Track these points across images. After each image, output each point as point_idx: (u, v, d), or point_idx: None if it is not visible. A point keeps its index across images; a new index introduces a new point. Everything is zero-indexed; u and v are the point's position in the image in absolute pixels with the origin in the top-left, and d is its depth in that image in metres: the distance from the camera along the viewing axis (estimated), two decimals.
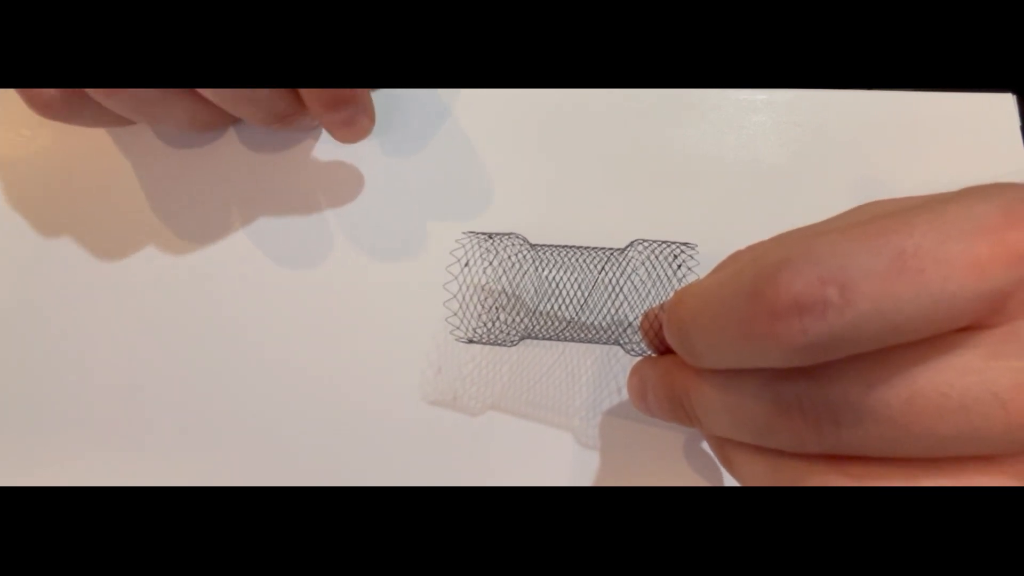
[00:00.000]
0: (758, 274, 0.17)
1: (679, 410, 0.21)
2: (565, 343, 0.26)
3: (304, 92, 0.25)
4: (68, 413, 0.28)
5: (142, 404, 0.28)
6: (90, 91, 0.25)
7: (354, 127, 0.27)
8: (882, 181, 0.28)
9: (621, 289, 0.25)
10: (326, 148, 0.30)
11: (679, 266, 0.23)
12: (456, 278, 0.26)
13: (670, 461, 0.26)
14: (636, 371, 0.22)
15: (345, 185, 0.30)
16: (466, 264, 0.26)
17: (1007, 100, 0.28)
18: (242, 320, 0.28)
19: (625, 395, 0.26)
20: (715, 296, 0.18)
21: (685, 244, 0.23)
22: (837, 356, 0.16)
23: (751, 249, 0.20)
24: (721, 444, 0.21)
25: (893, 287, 0.15)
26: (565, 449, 0.26)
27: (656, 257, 0.24)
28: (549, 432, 0.26)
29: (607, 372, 0.26)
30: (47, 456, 0.28)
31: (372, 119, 0.27)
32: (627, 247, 0.25)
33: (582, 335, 0.25)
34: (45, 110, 0.26)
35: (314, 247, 0.29)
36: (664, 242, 0.24)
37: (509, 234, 0.25)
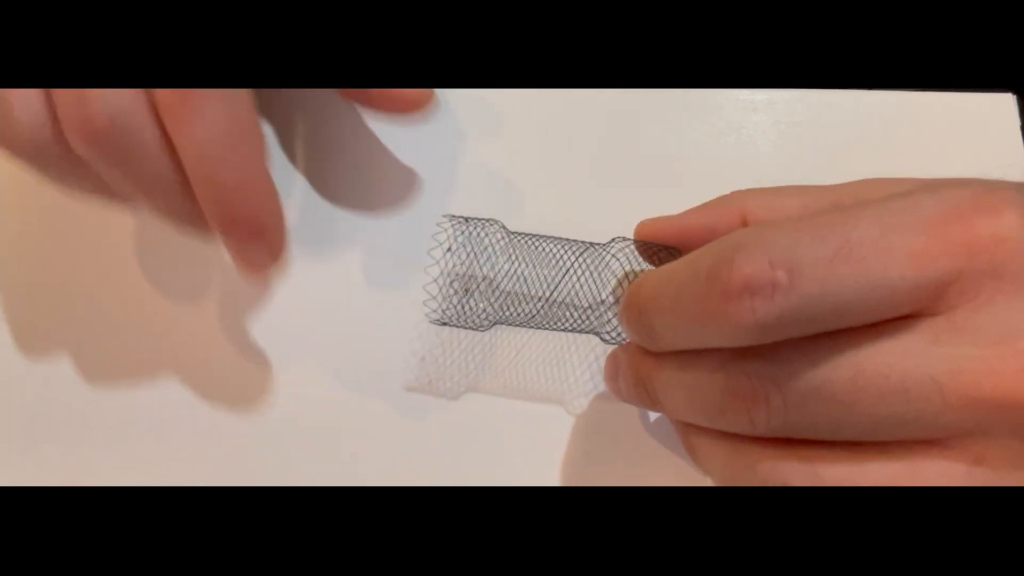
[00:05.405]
0: (715, 258, 0.18)
1: (643, 393, 0.22)
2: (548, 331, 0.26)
3: (202, 200, 0.21)
4: (68, 412, 0.28)
5: (140, 402, 0.28)
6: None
7: (251, 267, 0.22)
8: None
9: (600, 278, 0.25)
10: (311, 136, 0.30)
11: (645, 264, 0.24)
12: (437, 262, 0.27)
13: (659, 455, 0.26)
14: (612, 356, 0.23)
15: (330, 171, 0.29)
16: (448, 249, 0.26)
17: (1007, 100, 0.28)
18: (225, 302, 0.28)
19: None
20: (674, 278, 0.19)
21: (666, 248, 0.24)
22: (786, 336, 0.17)
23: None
24: (685, 431, 0.22)
25: (837, 273, 0.17)
26: (550, 436, 0.26)
27: (635, 256, 0.24)
28: (532, 417, 0.26)
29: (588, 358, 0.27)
30: (46, 456, 0.27)
31: (276, 259, 0.23)
32: (608, 243, 0.25)
33: (557, 324, 0.25)
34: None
35: (299, 235, 0.29)
36: (646, 243, 0.24)
37: (488, 220, 0.26)
